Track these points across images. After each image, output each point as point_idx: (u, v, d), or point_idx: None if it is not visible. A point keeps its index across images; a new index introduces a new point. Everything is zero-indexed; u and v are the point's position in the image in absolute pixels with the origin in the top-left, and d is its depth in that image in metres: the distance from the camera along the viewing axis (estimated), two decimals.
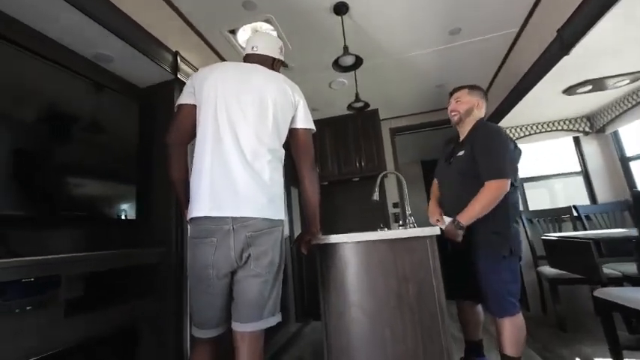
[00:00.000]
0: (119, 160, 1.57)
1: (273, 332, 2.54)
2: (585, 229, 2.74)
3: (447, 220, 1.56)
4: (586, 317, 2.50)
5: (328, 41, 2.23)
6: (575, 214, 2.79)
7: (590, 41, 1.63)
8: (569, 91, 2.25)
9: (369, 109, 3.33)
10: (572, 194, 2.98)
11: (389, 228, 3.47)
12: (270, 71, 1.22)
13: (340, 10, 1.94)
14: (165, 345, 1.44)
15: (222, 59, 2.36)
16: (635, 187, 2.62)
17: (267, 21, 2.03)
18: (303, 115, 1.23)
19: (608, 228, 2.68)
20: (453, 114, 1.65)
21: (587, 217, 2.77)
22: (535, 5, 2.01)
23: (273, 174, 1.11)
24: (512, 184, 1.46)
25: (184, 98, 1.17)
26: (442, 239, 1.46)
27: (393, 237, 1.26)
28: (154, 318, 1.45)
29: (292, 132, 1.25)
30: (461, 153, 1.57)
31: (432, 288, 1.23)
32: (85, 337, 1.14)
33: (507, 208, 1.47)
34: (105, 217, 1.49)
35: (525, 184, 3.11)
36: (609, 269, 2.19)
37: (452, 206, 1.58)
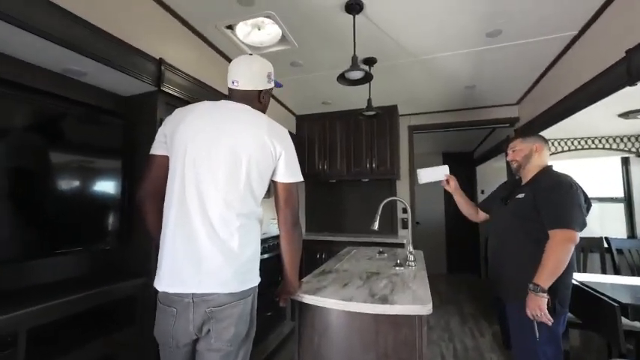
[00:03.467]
0: (102, 183, 1.48)
1: (265, 334, 2.57)
2: (614, 265, 2.45)
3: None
4: None
5: (340, 40, 1.92)
6: (606, 245, 2.49)
7: None
8: (627, 115, 1.86)
9: (387, 105, 3.07)
10: (607, 222, 2.64)
11: (395, 234, 3.31)
12: (252, 116, 1.05)
13: (353, 8, 1.62)
14: None
15: (224, 56, 2.12)
16: None
17: (269, 17, 1.75)
18: (284, 168, 1.07)
19: None
20: (512, 162, 1.58)
21: (619, 251, 2.47)
22: (601, 9, 1.58)
23: (244, 239, 0.99)
24: None
25: (156, 148, 1.05)
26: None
27: (378, 312, 1.12)
28: (131, 348, 1.44)
29: (273, 183, 1.11)
30: (520, 196, 1.47)
31: None
32: None
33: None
34: (87, 243, 1.44)
35: None
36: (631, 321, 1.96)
37: (497, 247, 1.56)
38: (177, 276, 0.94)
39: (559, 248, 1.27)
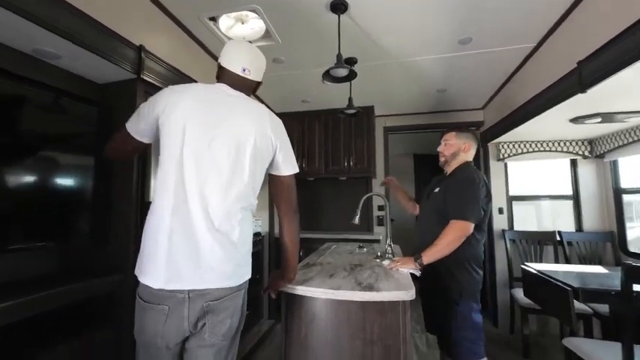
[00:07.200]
0: (74, 175, 1.39)
1: (243, 332, 2.52)
2: (565, 255, 2.73)
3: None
4: (552, 347, 2.55)
5: (323, 38, 1.96)
6: (558, 238, 2.76)
7: (609, 83, 1.45)
8: (577, 120, 2.09)
9: (364, 106, 3.16)
10: (559, 217, 2.93)
11: (371, 231, 3.41)
12: (253, 105, 1.03)
13: (337, 8, 1.66)
14: None
15: (205, 48, 2.07)
16: (623, 221, 2.58)
17: (254, 11, 1.75)
18: (281, 161, 1.06)
19: (588, 257, 2.67)
20: (440, 156, 1.67)
21: (569, 243, 2.75)
22: (557, 24, 1.77)
23: (243, 229, 0.97)
24: (474, 236, 1.46)
25: (137, 131, 0.99)
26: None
27: (366, 299, 1.16)
28: (108, 348, 1.36)
29: (271, 176, 1.10)
30: (437, 189, 1.60)
31: (398, 354, 1.16)
32: None
33: (467, 259, 1.48)
34: (56, 239, 1.33)
35: (514, 202, 3.03)
36: (581, 305, 2.20)
37: (420, 240, 1.61)
38: (175, 271, 0.87)
39: (453, 234, 1.41)
